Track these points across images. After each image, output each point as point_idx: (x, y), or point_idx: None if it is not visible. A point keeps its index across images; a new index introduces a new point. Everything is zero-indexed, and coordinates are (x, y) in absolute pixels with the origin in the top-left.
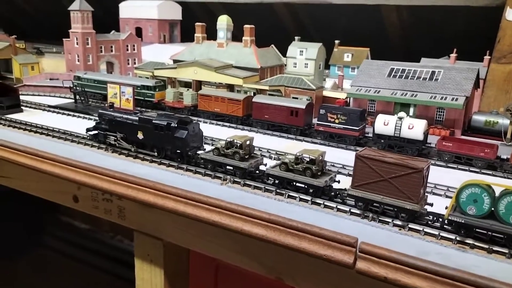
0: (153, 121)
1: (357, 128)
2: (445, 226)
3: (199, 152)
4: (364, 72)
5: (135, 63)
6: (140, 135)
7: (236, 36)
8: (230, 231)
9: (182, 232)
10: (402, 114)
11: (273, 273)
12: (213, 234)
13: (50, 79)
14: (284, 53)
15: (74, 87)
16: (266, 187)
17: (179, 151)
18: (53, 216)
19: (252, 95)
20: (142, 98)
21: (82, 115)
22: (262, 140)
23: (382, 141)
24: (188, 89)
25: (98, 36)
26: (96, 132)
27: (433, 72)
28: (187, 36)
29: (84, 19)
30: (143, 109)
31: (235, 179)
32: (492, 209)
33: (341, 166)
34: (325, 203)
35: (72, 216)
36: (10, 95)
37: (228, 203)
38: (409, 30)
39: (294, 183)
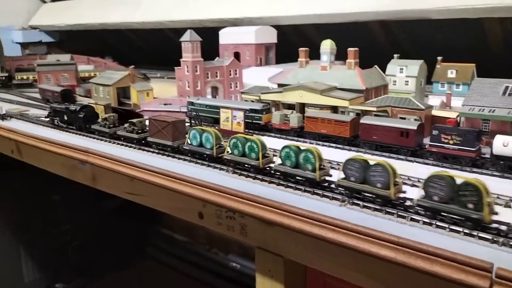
0: (70, 108)
1: (474, 149)
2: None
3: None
4: (476, 91)
5: (237, 87)
6: (65, 117)
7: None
8: (355, 252)
9: (303, 250)
10: None
11: None
12: (334, 254)
13: (164, 104)
14: None
15: (190, 112)
16: (387, 210)
17: (80, 124)
18: (156, 229)
19: (356, 116)
20: (251, 121)
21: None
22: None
23: (502, 162)
24: (292, 112)
25: (205, 64)
26: (49, 118)
27: None
28: (281, 58)
29: (194, 48)
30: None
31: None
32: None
33: None
34: (450, 227)
35: (172, 229)
36: (132, 118)
37: (355, 225)
38: None
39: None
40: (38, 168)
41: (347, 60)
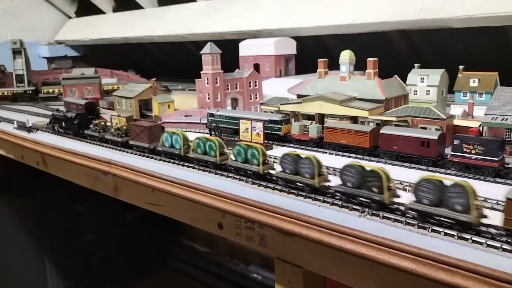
0: (67, 116)
1: (497, 159)
2: None
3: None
4: (499, 100)
5: (256, 98)
6: (63, 124)
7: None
8: (375, 263)
9: (322, 261)
10: None
11: None
12: (353, 265)
13: (185, 116)
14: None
15: (210, 123)
16: (408, 221)
17: (75, 130)
18: (177, 239)
19: (375, 126)
20: (270, 131)
21: None
22: (391, 171)
23: None
24: (311, 122)
25: (225, 75)
26: (50, 125)
27: None
28: (301, 68)
29: (214, 61)
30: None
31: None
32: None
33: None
34: (473, 239)
35: (194, 239)
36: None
37: (374, 235)
38: None
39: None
40: (63, 180)
41: (367, 70)
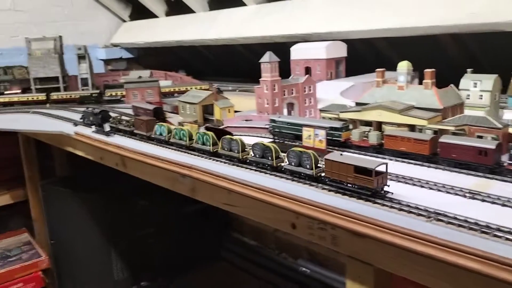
0: (93, 111)
1: None
2: None
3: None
4: None
5: (311, 102)
6: (91, 118)
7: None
8: (443, 263)
9: (393, 261)
10: None
11: None
12: (423, 264)
13: (246, 120)
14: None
15: (273, 129)
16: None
17: (100, 123)
18: (228, 232)
19: (433, 134)
20: (331, 138)
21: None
22: (449, 178)
23: None
24: (370, 129)
25: (282, 82)
26: (82, 120)
27: None
28: (350, 70)
29: (273, 69)
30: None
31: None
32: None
33: None
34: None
35: (243, 233)
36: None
37: (443, 239)
38: None
39: None
40: (127, 177)
41: (424, 80)
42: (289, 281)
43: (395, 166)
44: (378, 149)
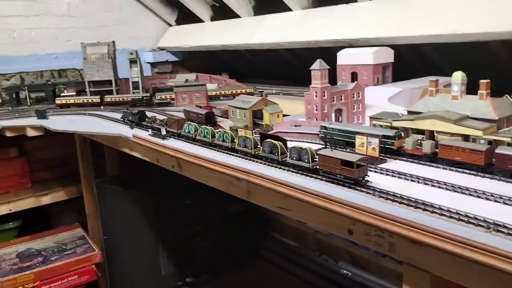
0: (132, 112)
1: None
2: None
3: None
4: None
5: (359, 108)
6: (130, 118)
7: (426, 70)
8: (504, 273)
9: (452, 269)
10: None
11: None
12: (483, 273)
13: (295, 126)
14: (501, 93)
15: (324, 136)
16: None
17: (138, 122)
18: (268, 233)
19: (488, 145)
20: (383, 146)
21: None
22: (505, 189)
23: None
24: (423, 137)
25: (331, 88)
26: (122, 119)
27: None
28: (396, 75)
29: (322, 76)
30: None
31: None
32: None
33: None
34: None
35: (283, 234)
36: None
37: (505, 250)
38: None
39: None
40: (175, 176)
41: (479, 91)
42: (330, 283)
43: (450, 176)
44: (432, 158)
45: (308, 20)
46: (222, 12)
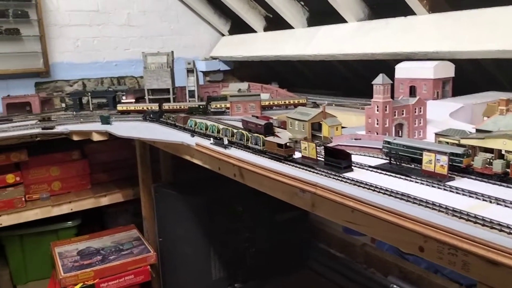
0: (154, 111)
1: None
2: None
3: None
4: None
5: (420, 123)
6: (151, 116)
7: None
8: None
9: None
10: None
11: None
12: None
13: (355, 139)
14: None
15: (388, 151)
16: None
17: (157, 119)
18: (314, 243)
19: None
20: (451, 163)
21: (396, 175)
22: None
23: None
24: (492, 156)
25: (393, 103)
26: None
27: None
28: (456, 90)
29: (385, 90)
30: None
31: None
32: None
33: None
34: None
35: (330, 245)
36: (344, 157)
37: None
38: None
39: None
40: (224, 183)
41: None
42: None
43: None
44: (503, 178)
45: (364, 32)
46: (275, 23)
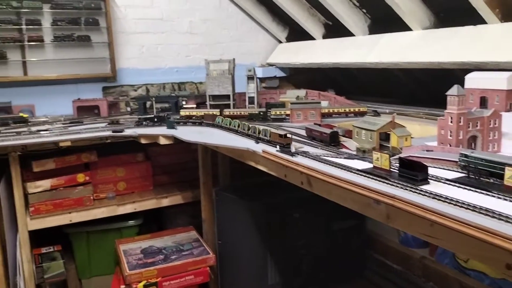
0: (167, 116)
1: None
2: None
3: None
4: None
5: (495, 136)
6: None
7: None
8: None
9: None
10: None
11: None
12: None
13: (427, 151)
14: None
15: (466, 164)
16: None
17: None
18: (370, 253)
19: None
20: None
21: (475, 189)
22: None
23: None
24: None
25: (467, 114)
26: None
27: None
28: None
29: (460, 102)
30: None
31: None
32: None
33: None
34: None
35: (385, 256)
36: (420, 170)
37: None
38: None
39: None
40: (281, 189)
41: None
42: None
43: None
44: None
45: (429, 40)
46: (334, 31)
